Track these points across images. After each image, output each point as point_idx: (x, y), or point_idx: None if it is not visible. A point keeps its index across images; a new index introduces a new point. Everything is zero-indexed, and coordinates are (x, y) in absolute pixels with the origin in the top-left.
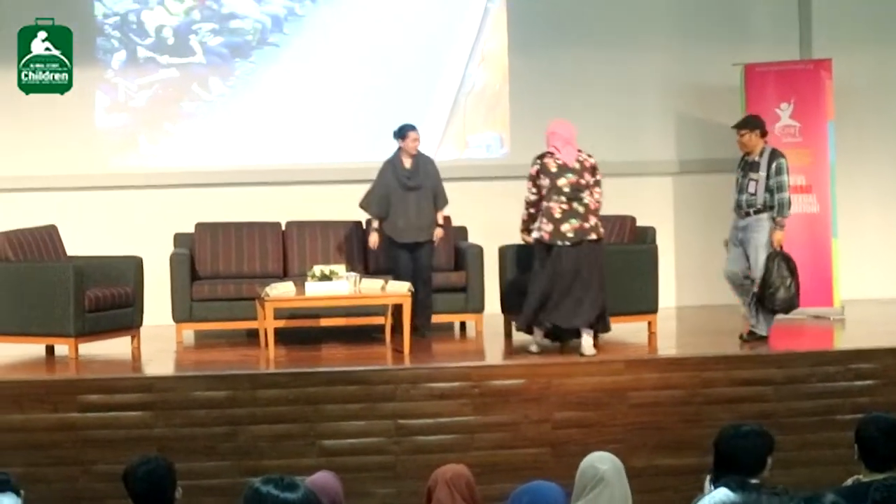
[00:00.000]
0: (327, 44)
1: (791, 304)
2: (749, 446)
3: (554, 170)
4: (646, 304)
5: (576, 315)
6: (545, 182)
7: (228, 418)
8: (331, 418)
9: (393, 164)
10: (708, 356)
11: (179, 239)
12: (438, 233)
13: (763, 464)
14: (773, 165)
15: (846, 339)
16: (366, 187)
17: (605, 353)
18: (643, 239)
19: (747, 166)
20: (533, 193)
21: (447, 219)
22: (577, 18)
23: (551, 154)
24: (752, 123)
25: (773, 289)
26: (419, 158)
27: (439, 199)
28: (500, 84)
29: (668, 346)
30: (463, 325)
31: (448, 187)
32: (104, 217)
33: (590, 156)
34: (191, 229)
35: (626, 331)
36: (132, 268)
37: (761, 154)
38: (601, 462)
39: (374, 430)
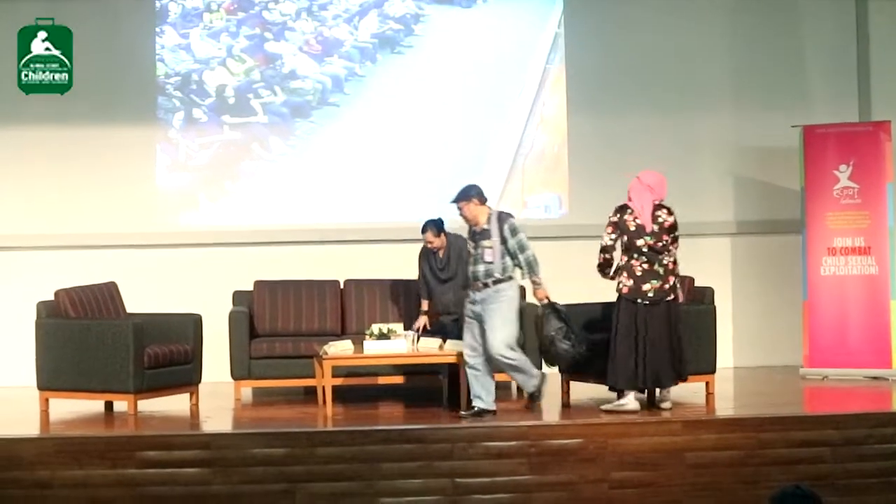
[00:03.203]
0: (387, 104)
1: (577, 353)
2: None
3: (632, 229)
4: (704, 365)
5: (662, 376)
6: (623, 237)
7: (286, 476)
8: (388, 476)
9: (426, 254)
10: (765, 417)
11: (238, 296)
12: None
13: None
14: (506, 227)
15: None
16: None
17: (663, 412)
18: (701, 299)
19: (477, 236)
20: (611, 238)
21: None
22: (635, 80)
23: (631, 211)
24: (467, 194)
25: (548, 343)
26: (451, 247)
27: None
28: (559, 145)
29: (725, 407)
30: None
31: None
32: (164, 274)
33: (670, 213)
34: (250, 287)
35: (684, 391)
36: (191, 325)
37: (489, 221)
38: None
39: (431, 489)
